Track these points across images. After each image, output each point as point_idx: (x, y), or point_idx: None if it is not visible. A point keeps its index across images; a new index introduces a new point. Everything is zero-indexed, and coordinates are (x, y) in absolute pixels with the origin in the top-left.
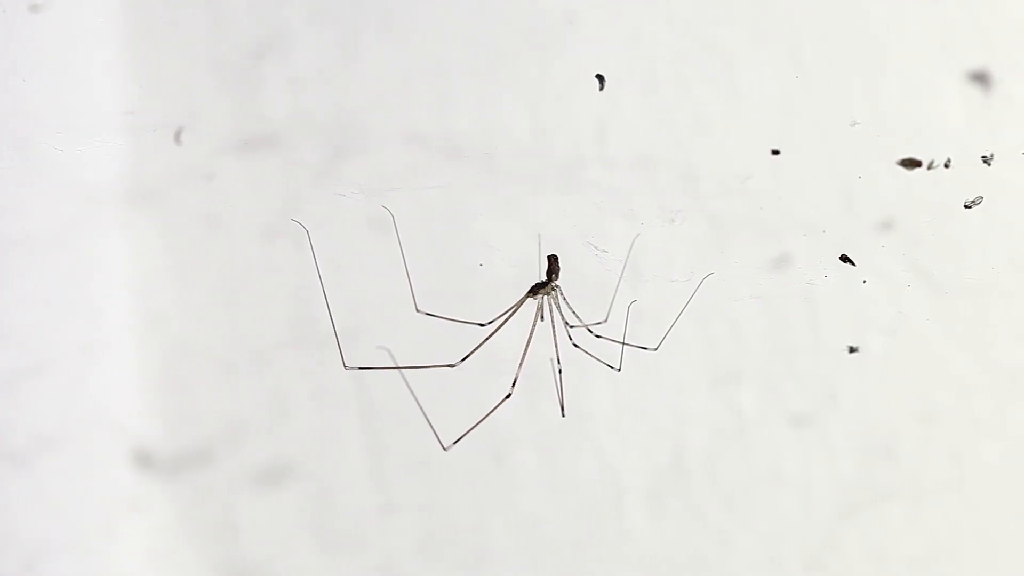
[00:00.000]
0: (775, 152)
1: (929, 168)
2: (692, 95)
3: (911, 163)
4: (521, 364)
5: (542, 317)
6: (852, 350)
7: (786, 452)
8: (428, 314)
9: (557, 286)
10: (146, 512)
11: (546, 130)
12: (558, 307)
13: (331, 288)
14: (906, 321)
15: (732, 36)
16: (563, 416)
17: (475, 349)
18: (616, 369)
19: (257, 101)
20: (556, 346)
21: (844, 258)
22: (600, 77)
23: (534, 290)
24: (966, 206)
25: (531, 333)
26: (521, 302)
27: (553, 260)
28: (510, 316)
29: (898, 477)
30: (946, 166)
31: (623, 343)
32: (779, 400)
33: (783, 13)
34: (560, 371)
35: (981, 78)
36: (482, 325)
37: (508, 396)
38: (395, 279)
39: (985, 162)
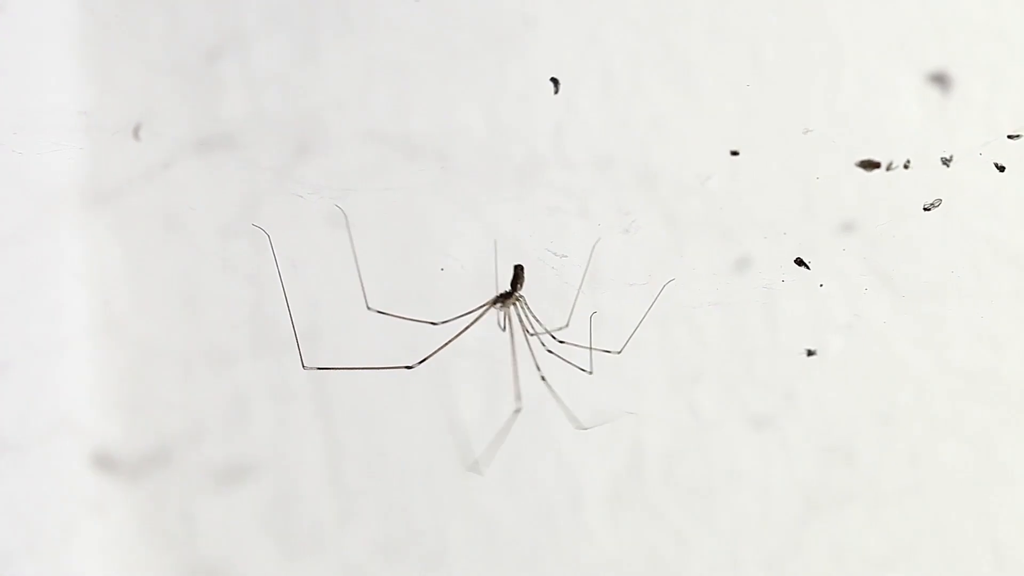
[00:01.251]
0: (734, 153)
1: (888, 169)
2: (650, 96)
3: (870, 164)
4: (516, 377)
5: (502, 327)
6: (810, 353)
7: (745, 453)
8: (379, 312)
9: (522, 296)
10: (106, 514)
11: (504, 131)
12: (522, 317)
13: (290, 288)
14: (864, 322)
15: (690, 37)
16: (580, 427)
17: (434, 352)
18: (589, 372)
19: (215, 102)
20: (533, 355)
21: (799, 261)
22: (555, 80)
23: (499, 299)
24: (925, 208)
25: (512, 344)
26: (484, 310)
27: (519, 270)
28: (469, 321)
29: (857, 478)
30: (905, 167)
31: (589, 348)
32: (738, 402)
33: (741, 14)
34: (543, 378)
35: (940, 79)
36: (434, 324)
37: (518, 410)
38: (354, 279)
39: (944, 163)
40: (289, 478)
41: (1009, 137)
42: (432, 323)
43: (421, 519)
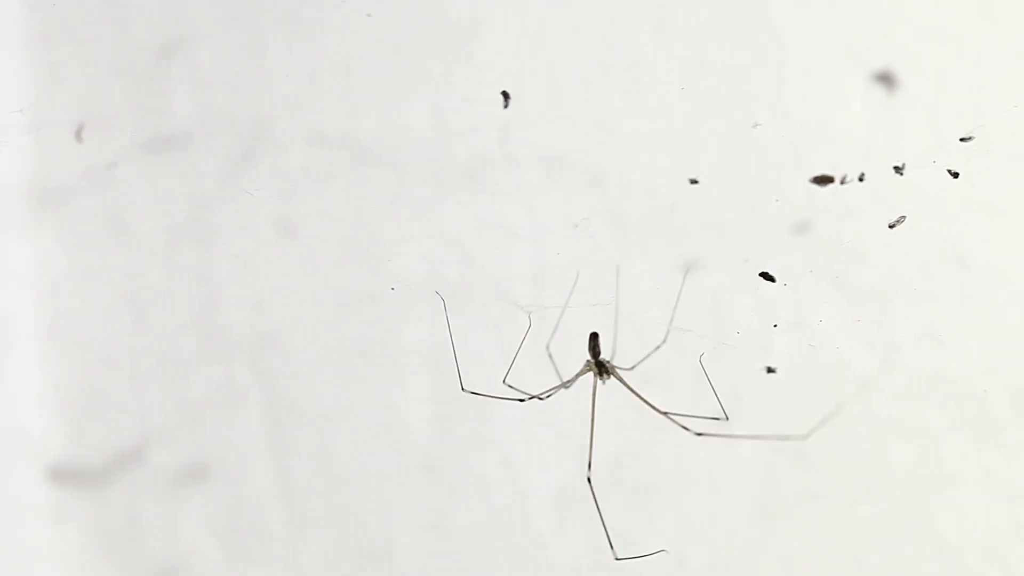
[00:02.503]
0: (693, 182)
1: (842, 183)
2: (596, 98)
3: (824, 180)
4: (591, 445)
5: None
6: (770, 370)
7: (693, 455)
8: (473, 392)
9: (614, 367)
10: (60, 522)
11: (451, 133)
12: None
13: (238, 290)
14: (811, 323)
15: (636, 38)
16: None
17: (554, 390)
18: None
19: (162, 103)
20: (592, 422)
21: (765, 275)
22: (505, 94)
23: (597, 368)
24: (890, 226)
25: (593, 412)
26: (578, 377)
27: (594, 338)
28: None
29: (805, 479)
30: (860, 180)
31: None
32: (687, 404)
33: (686, 15)
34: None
35: (886, 79)
36: (522, 400)
37: (589, 479)
38: (304, 282)
39: (897, 172)
40: (239, 482)
41: (962, 140)
42: (520, 399)
43: (370, 522)
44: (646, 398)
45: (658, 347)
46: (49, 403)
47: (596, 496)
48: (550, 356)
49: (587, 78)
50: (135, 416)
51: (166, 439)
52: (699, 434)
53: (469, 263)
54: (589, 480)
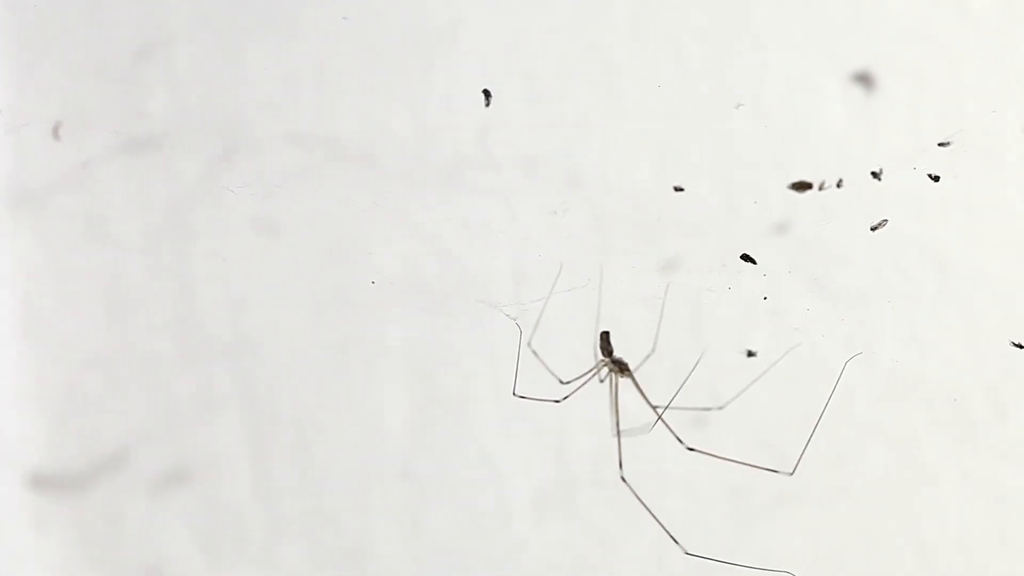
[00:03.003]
0: (678, 189)
1: (821, 189)
2: (574, 98)
3: (802, 186)
4: (619, 445)
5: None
6: (750, 354)
7: (673, 456)
8: (521, 396)
9: (627, 367)
10: (39, 528)
11: (430, 133)
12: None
13: (217, 289)
14: (791, 324)
15: (613, 38)
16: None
17: (576, 390)
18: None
19: (139, 102)
20: (617, 421)
21: (745, 257)
22: (487, 92)
23: (613, 365)
24: (872, 229)
25: (617, 413)
26: (593, 374)
27: (605, 336)
28: (580, 384)
29: (784, 479)
30: (838, 186)
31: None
32: (667, 403)
33: (664, 15)
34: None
35: (864, 79)
36: (557, 402)
37: (623, 479)
38: (283, 283)
39: (875, 177)
40: (219, 484)
41: (940, 145)
42: (556, 401)
43: (349, 523)
44: (650, 400)
45: (648, 356)
46: (28, 405)
47: (637, 493)
48: (535, 354)
49: (565, 78)
50: (115, 418)
51: (146, 441)
52: (691, 449)
53: (448, 262)
54: (624, 479)
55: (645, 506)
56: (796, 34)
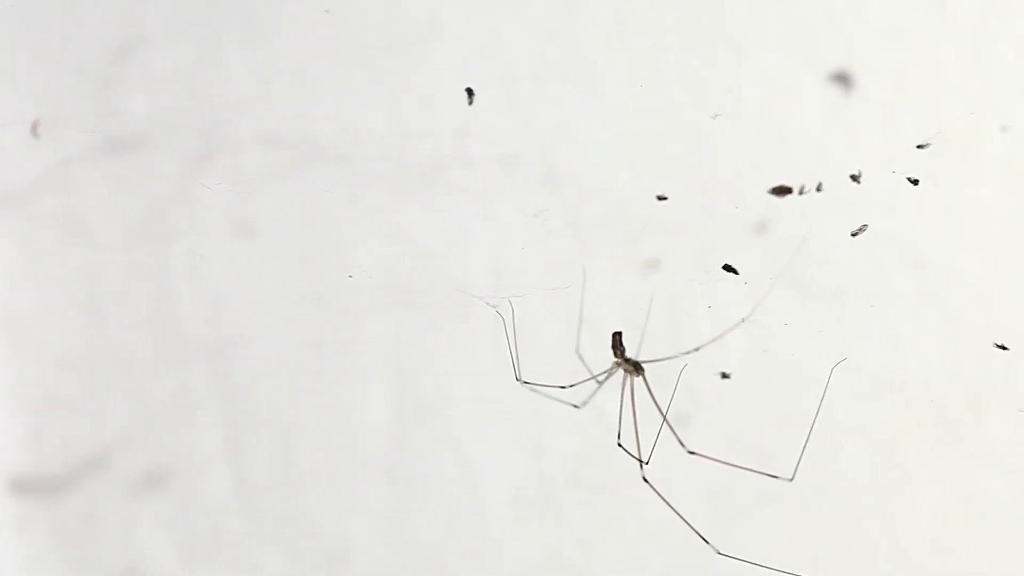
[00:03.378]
0: (661, 198)
1: (801, 193)
2: (553, 98)
3: (782, 190)
4: (638, 442)
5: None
6: (724, 376)
7: (651, 457)
8: (526, 383)
9: (642, 367)
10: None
11: (407, 134)
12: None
13: (194, 291)
14: (769, 324)
15: (592, 39)
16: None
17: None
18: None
19: (117, 102)
20: (635, 421)
21: (728, 267)
22: (469, 91)
23: (627, 365)
24: (852, 234)
25: (634, 412)
26: (609, 375)
27: (617, 337)
28: (594, 384)
29: (762, 480)
30: (818, 190)
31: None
32: (643, 403)
33: (642, 16)
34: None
35: (843, 82)
36: (563, 388)
37: (644, 474)
38: (262, 283)
39: (854, 180)
40: (198, 486)
41: (919, 147)
42: (562, 387)
43: (328, 524)
44: (658, 402)
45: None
46: (5, 407)
47: (660, 493)
48: (512, 349)
49: (544, 79)
50: (92, 419)
51: (124, 443)
52: (691, 452)
53: (426, 263)
54: (646, 479)
55: (670, 506)
56: (773, 35)
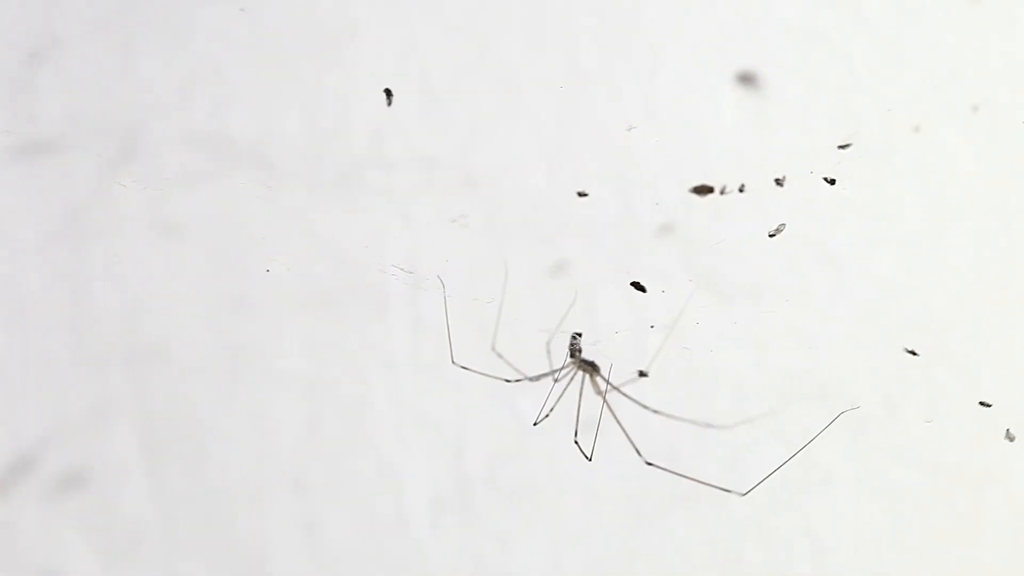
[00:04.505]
0: (582, 194)
1: (722, 193)
2: (469, 99)
3: (703, 189)
4: (628, 437)
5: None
6: (642, 374)
7: (568, 457)
8: (463, 367)
9: (598, 368)
10: None
11: (325, 135)
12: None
13: (111, 294)
14: (682, 324)
15: (509, 40)
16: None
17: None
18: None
19: (32, 107)
20: (603, 411)
21: (636, 285)
22: (388, 92)
23: (583, 366)
24: (770, 235)
25: (609, 408)
26: (566, 374)
27: (575, 338)
28: (548, 382)
29: (680, 481)
30: (740, 190)
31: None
32: (562, 405)
33: (558, 17)
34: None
35: (753, 80)
36: (508, 381)
37: (649, 463)
38: (180, 287)
39: (778, 184)
40: (115, 490)
41: (840, 147)
42: (507, 380)
43: (245, 530)
44: (614, 408)
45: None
46: None
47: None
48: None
49: (460, 80)
50: (9, 424)
51: (42, 447)
52: (648, 463)
53: (344, 265)
54: (649, 463)
55: (688, 477)
56: (690, 36)
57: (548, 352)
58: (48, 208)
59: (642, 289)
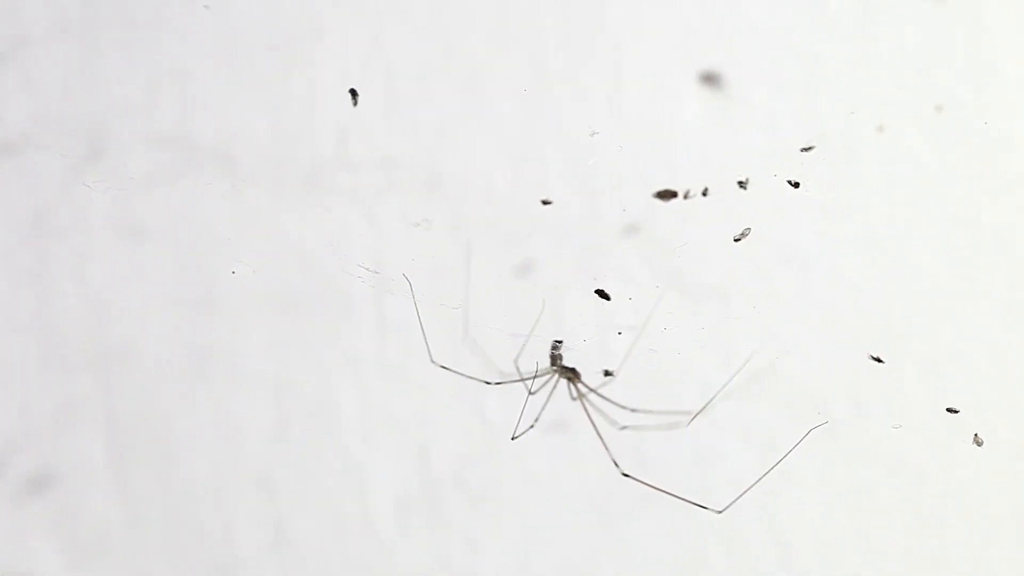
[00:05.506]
0: (545, 202)
1: (686, 198)
2: (434, 101)
3: (667, 194)
4: (605, 445)
5: (573, 397)
6: (607, 373)
7: (536, 459)
8: (443, 367)
9: (579, 374)
10: None
11: (289, 137)
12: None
13: (78, 296)
14: (648, 324)
15: (473, 41)
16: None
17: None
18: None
19: None
20: (589, 415)
21: (600, 293)
22: (353, 92)
23: (564, 372)
24: (736, 239)
25: (590, 416)
26: (546, 379)
27: (557, 344)
28: (526, 384)
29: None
30: (704, 194)
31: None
32: (529, 406)
33: (522, 18)
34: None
35: (714, 80)
36: (488, 383)
37: (626, 475)
38: (146, 288)
39: (742, 187)
40: (80, 492)
41: (803, 150)
42: (487, 382)
43: (212, 532)
44: (594, 417)
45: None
46: None
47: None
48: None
49: (425, 81)
50: None
51: (7, 449)
52: (625, 475)
53: (309, 266)
54: (626, 475)
55: (662, 490)
56: (654, 37)
57: (518, 357)
58: (12, 209)
59: (606, 297)
